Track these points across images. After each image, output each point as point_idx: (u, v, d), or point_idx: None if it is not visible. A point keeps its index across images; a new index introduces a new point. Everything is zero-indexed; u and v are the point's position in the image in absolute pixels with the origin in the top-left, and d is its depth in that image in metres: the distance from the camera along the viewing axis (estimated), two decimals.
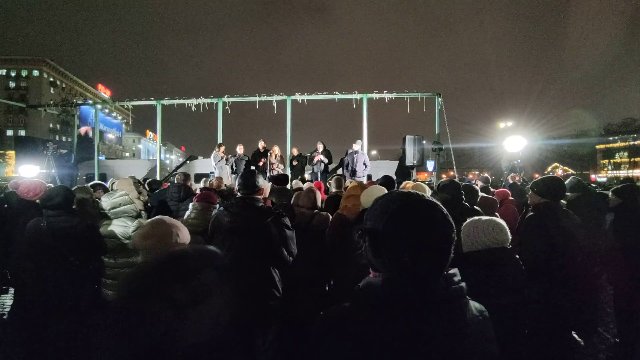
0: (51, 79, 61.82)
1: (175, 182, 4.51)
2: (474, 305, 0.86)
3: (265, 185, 2.81)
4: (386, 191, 2.44)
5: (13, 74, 59.10)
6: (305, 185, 4.78)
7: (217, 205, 3.21)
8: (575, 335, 3.09)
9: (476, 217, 1.89)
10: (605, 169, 51.81)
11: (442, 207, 0.82)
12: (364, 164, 8.15)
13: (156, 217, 1.61)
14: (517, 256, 1.94)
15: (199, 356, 0.97)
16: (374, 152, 23.65)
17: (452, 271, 0.82)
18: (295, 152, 9.20)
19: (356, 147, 8.25)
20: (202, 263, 1.12)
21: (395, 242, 0.77)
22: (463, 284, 0.81)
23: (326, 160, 8.45)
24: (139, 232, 1.53)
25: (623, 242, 2.96)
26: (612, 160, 51.49)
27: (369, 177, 9.47)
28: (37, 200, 3.18)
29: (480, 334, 0.83)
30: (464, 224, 1.86)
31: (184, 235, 1.52)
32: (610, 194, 3.26)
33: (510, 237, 1.85)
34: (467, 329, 0.79)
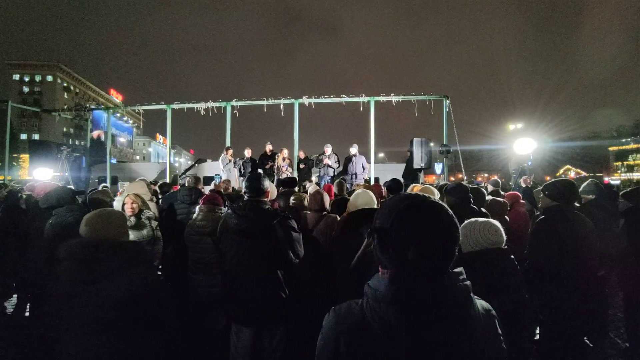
0: (65, 84, 63.25)
1: (186, 185, 4.57)
2: (481, 303, 0.89)
3: (271, 188, 2.85)
4: (371, 195, 2.55)
5: (27, 79, 60.57)
6: (311, 188, 4.82)
7: (222, 207, 3.26)
8: (586, 340, 3.05)
9: (473, 219, 1.93)
10: (619, 171, 50.77)
11: (448, 208, 0.86)
12: (362, 167, 8.28)
13: (98, 209, 1.81)
14: (513, 257, 1.95)
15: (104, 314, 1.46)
16: (381, 155, 23.58)
17: (457, 270, 0.85)
18: (302, 155, 9.24)
19: (353, 150, 8.33)
20: (106, 253, 1.56)
21: (402, 238, 0.81)
22: (468, 282, 0.85)
23: (335, 166, 8.48)
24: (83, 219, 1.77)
25: (634, 246, 2.91)
26: (625, 162, 50.47)
27: (377, 180, 9.46)
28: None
29: (487, 332, 0.86)
30: (462, 226, 1.89)
31: (117, 227, 1.74)
32: (620, 197, 3.21)
33: (504, 239, 1.88)
34: (472, 325, 0.82)
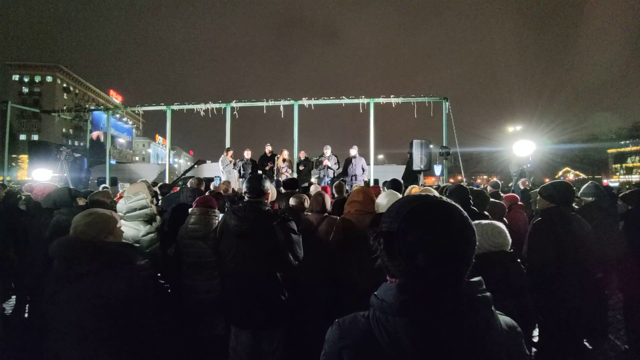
0: (64, 85, 63.13)
1: (189, 186, 4.56)
2: (504, 319, 0.79)
3: (272, 189, 2.84)
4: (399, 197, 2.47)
5: (27, 80, 60.45)
6: (312, 189, 4.82)
7: (217, 210, 3.22)
8: (585, 342, 3.05)
9: (476, 221, 1.90)
10: (618, 173, 50.84)
11: (461, 209, 0.78)
12: (362, 168, 8.31)
13: (86, 210, 1.82)
14: (519, 260, 1.93)
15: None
16: (380, 157, 23.63)
17: (476, 279, 0.76)
18: (302, 156, 9.24)
19: (353, 152, 8.34)
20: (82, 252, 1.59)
21: (410, 242, 0.74)
22: (489, 294, 0.75)
23: (335, 167, 8.49)
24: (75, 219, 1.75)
25: (633, 248, 2.92)
26: (624, 165, 50.57)
27: (376, 181, 9.47)
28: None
29: (510, 352, 0.76)
30: None
31: (98, 227, 1.73)
32: (619, 200, 3.22)
33: (510, 241, 1.85)
34: (493, 344, 0.73)
